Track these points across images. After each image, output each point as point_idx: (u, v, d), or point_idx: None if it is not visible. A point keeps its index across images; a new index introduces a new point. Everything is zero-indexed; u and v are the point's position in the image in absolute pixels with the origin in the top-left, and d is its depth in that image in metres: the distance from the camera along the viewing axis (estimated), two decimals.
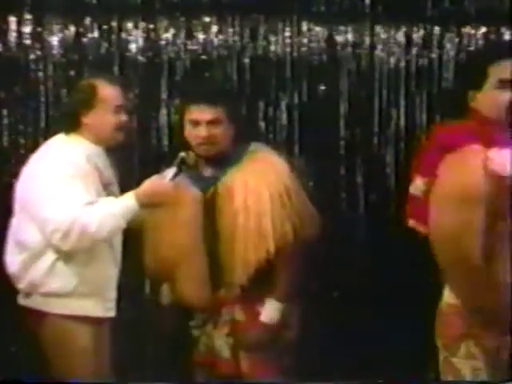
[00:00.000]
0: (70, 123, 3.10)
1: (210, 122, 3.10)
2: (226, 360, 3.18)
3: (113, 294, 3.13)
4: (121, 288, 3.22)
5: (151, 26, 3.94)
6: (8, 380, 3.01)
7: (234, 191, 3.09)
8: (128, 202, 2.98)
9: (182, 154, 3.07)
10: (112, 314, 3.13)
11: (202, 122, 3.10)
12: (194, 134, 3.12)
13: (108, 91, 3.08)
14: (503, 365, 2.71)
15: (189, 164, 3.09)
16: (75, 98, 3.14)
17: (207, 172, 3.18)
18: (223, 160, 3.15)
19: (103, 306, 3.09)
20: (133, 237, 3.12)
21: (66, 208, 2.92)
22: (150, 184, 3.02)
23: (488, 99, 2.72)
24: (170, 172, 3.03)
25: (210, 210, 3.14)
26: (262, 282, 3.12)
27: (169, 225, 3.14)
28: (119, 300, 3.24)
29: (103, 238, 3.00)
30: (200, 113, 3.11)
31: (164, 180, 3.02)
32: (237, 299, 3.16)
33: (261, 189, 3.08)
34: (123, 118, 3.11)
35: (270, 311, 3.13)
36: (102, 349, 3.12)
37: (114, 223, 2.97)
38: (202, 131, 3.10)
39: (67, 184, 2.94)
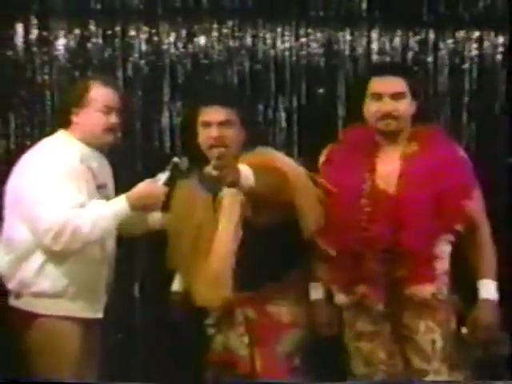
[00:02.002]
0: (61, 120, 3.12)
1: (222, 124, 3.11)
2: (242, 358, 3.19)
3: (102, 295, 3.15)
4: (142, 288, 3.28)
5: (153, 31, 3.99)
6: (8, 380, 3.00)
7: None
8: (119, 205, 3.01)
9: (176, 159, 3.09)
10: (100, 315, 3.14)
11: (213, 123, 3.11)
12: (206, 135, 3.12)
13: (100, 91, 3.10)
14: None
15: (181, 170, 3.11)
16: (68, 96, 3.16)
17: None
18: None
19: (92, 308, 3.11)
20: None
21: (59, 208, 2.92)
22: (143, 187, 3.04)
23: (367, 109, 3.14)
24: (163, 176, 3.05)
25: (218, 209, 3.12)
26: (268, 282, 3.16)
27: (184, 229, 3.16)
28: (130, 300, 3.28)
29: (95, 239, 3.02)
30: (212, 114, 3.13)
31: (156, 184, 3.04)
32: (248, 300, 3.17)
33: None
34: (113, 119, 3.12)
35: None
36: (90, 350, 3.13)
37: (106, 225, 3.00)
38: (213, 132, 3.11)
39: (60, 184, 2.95)
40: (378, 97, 3.11)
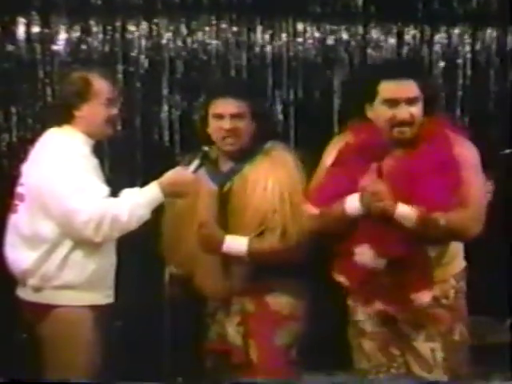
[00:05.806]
0: (63, 116, 3.08)
1: (234, 116, 3.13)
2: (237, 348, 3.21)
3: (112, 281, 3.14)
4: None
5: (153, 26, 4.03)
6: (8, 380, 2.94)
7: (246, 187, 3.12)
8: (153, 192, 3.00)
9: (206, 148, 3.13)
10: (111, 300, 3.14)
11: (225, 115, 3.13)
12: (218, 127, 3.14)
13: (101, 84, 3.08)
14: None
15: (211, 158, 3.14)
16: (68, 90, 3.09)
17: (225, 167, 3.21)
18: (241, 155, 3.17)
19: (105, 294, 3.11)
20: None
21: (94, 199, 2.91)
22: (174, 174, 3.05)
23: (378, 113, 2.88)
24: (193, 164, 3.08)
25: (225, 204, 3.17)
26: (269, 274, 3.16)
27: (186, 219, 3.18)
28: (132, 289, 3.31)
29: (132, 228, 2.97)
30: (224, 106, 3.14)
31: (187, 171, 3.07)
32: (246, 290, 3.18)
33: (272, 187, 3.10)
34: (114, 111, 3.13)
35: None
36: (102, 335, 3.10)
37: (142, 213, 2.97)
38: (226, 124, 3.12)
39: (86, 176, 2.94)
40: (394, 103, 2.83)
